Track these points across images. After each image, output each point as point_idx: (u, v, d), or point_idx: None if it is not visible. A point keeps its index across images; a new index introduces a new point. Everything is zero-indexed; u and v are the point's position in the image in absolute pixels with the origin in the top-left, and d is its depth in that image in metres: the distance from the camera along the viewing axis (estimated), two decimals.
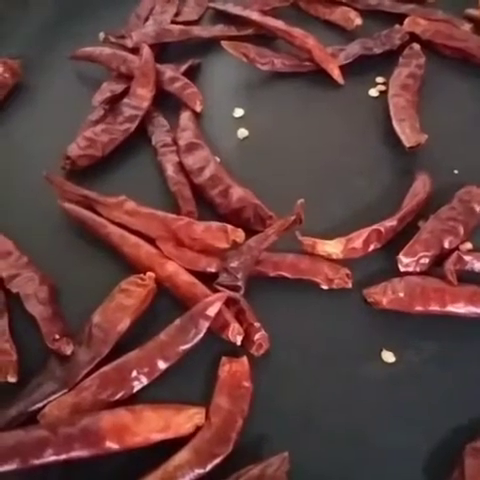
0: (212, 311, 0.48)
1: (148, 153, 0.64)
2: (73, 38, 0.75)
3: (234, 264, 0.52)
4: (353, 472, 0.44)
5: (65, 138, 0.63)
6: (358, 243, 0.54)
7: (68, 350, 0.48)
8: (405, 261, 0.52)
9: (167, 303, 0.52)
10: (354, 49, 0.72)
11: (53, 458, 0.42)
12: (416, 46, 0.71)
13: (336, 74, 0.70)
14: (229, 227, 0.53)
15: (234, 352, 0.49)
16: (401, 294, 0.50)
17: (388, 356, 0.49)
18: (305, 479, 0.43)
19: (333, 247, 0.54)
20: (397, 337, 0.50)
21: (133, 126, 0.64)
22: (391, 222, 0.55)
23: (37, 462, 0.42)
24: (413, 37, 0.73)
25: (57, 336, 0.49)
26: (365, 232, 0.54)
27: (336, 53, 0.71)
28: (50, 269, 0.54)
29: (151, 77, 0.67)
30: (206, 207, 0.58)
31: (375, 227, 0.54)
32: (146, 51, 0.68)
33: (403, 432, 0.46)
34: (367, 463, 0.45)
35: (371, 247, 0.54)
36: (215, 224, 0.54)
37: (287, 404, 0.47)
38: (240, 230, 0.53)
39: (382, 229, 0.54)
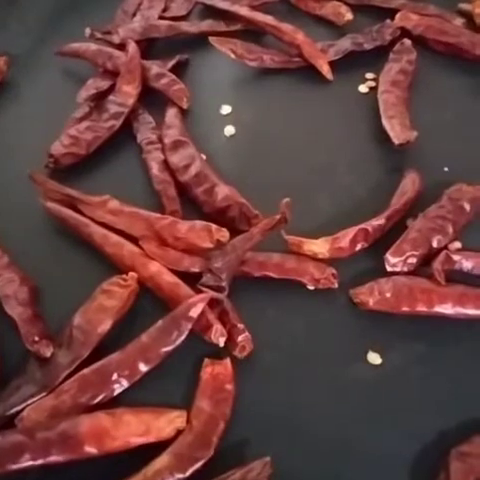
0: (195, 312, 0.48)
1: (133, 151, 0.63)
2: (59, 34, 0.75)
3: (218, 264, 0.51)
4: (337, 476, 0.44)
5: (49, 136, 0.62)
6: (345, 242, 0.53)
7: (47, 352, 0.48)
8: (392, 261, 0.51)
9: (149, 304, 0.51)
10: (344, 45, 0.71)
11: (30, 463, 0.41)
12: (407, 41, 0.70)
13: (325, 70, 0.69)
14: (213, 226, 0.52)
15: (217, 354, 0.48)
16: (388, 294, 0.50)
17: (374, 358, 0.49)
18: None
19: (319, 246, 0.53)
20: (383, 338, 0.50)
21: (118, 123, 0.63)
22: (379, 221, 0.54)
23: (14, 467, 0.41)
24: (404, 32, 0.72)
25: (36, 338, 0.48)
26: (352, 231, 0.53)
27: (326, 49, 0.70)
28: (31, 269, 0.53)
29: (137, 74, 0.66)
30: (191, 206, 0.58)
31: (362, 226, 0.53)
32: (132, 47, 0.68)
33: (389, 435, 0.45)
34: (352, 467, 0.44)
35: (358, 246, 0.53)
36: (199, 223, 0.53)
37: (270, 407, 0.47)
38: (224, 229, 0.52)
39: (369, 228, 0.53)
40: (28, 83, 0.71)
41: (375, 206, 0.56)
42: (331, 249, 0.53)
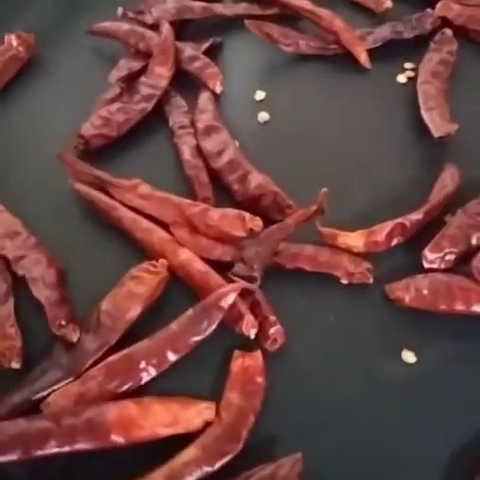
0: (226, 302, 0.46)
1: (165, 135, 0.62)
2: (91, 12, 0.73)
3: (250, 254, 0.49)
4: (369, 477, 0.43)
5: (79, 116, 0.61)
6: (381, 236, 0.51)
7: (74, 337, 0.47)
8: (430, 257, 0.50)
9: (179, 292, 0.50)
10: (383, 33, 0.68)
11: (56, 450, 0.41)
12: (448, 32, 0.68)
13: (363, 58, 0.67)
14: (246, 215, 0.51)
15: (247, 346, 0.47)
16: (425, 291, 0.48)
17: (409, 356, 0.47)
18: None
19: (354, 240, 0.51)
20: (419, 337, 0.48)
21: (150, 106, 0.62)
22: (417, 215, 0.52)
23: (39, 453, 0.41)
24: (445, 22, 0.70)
25: (63, 322, 0.47)
26: (389, 225, 0.51)
27: (364, 36, 0.68)
28: (59, 252, 0.52)
29: (170, 55, 0.64)
30: (223, 193, 0.56)
31: (400, 220, 0.52)
32: (166, 28, 0.66)
33: (423, 436, 0.44)
34: (384, 467, 0.43)
35: (394, 241, 0.52)
36: (232, 211, 0.52)
37: (301, 403, 0.46)
38: (258, 218, 0.51)
39: (407, 223, 0.52)
40: (58, 62, 0.70)
41: (413, 200, 0.54)
42: (367, 243, 0.51)
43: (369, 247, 0.51)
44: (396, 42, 0.68)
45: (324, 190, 0.50)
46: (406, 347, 0.48)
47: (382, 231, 0.51)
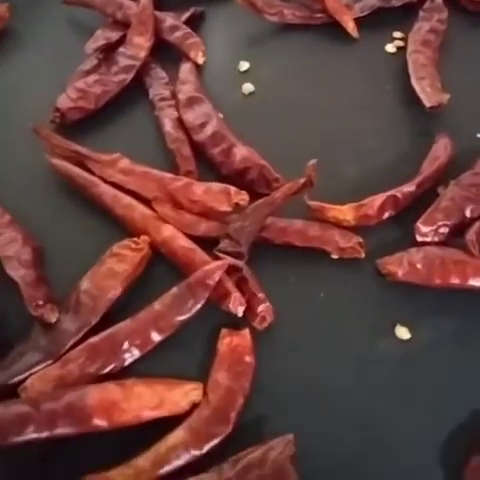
0: (212, 280, 0.45)
1: (145, 107, 0.60)
2: None
3: (236, 229, 0.48)
4: (361, 457, 0.41)
5: (55, 89, 0.59)
6: (372, 209, 0.50)
7: (53, 318, 0.45)
8: (423, 230, 0.48)
9: (163, 270, 0.49)
10: (371, 1, 0.67)
11: (35, 435, 0.39)
12: None
13: (350, 27, 0.66)
14: (232, 189, 0.49)
15: (235, 324, 0.46)
16: (418, 265, 0.47)
17: (403, 332, 0.46)
18: (309, 465, 0.40)
19: (345, 213, 0.50)
20: (413, 312, 0.47)
21: (129, 77, 0.60)
22: (409, 187, 0.51)
23: (17, 439, 0.39)
24: None
25: (40, 302, 0.45)
26: (380, 198, 0.50)
27: (351, 4, 0.67)
28: (35, 229, 0.51)
29: (149, 25, 0.63)
30: (207, 167, 0.55)
31: (391, 193, 0.50)
32: None
33: (417, 415, 0.43)
34: (377, 448, 0.42)
35: (386, 214, 0.51)
36: (216, 185, 0.50)
37: (292, 382, 0.44)
38: (244, 192, 0.49)
39: (399, 195, 0.50)
40: (32, 32, 0.68)
41: (404, 173, 0.53)
42: (357, 216, 0.50)
43: (360, 221, 0.50)
44: (384, 10, 0.67)
45: (313, 162, 0.48)
46: (400, 323, 0.46)
47: (373, 204, 0.50)
